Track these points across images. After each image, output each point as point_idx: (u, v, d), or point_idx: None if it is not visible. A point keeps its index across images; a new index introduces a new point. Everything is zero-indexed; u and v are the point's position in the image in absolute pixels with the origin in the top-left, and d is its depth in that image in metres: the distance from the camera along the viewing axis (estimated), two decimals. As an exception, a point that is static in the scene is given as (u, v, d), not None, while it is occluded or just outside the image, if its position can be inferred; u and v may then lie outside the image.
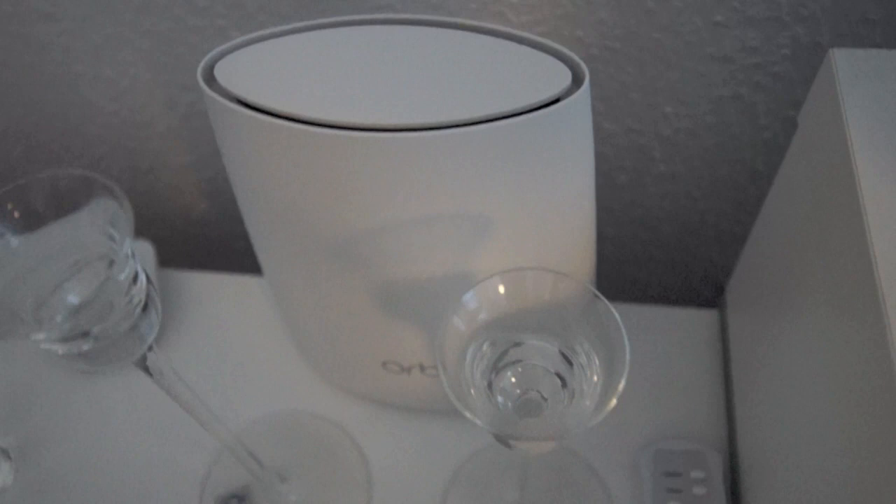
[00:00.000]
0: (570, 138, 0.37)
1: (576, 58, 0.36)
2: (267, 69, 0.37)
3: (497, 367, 0.36)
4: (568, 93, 0.35)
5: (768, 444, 0.46)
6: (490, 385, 0.36)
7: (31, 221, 0.32)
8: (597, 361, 0.34)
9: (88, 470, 0.56)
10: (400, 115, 0.34)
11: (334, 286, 0.45)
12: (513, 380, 0.36)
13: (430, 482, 0.53)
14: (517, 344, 0.36)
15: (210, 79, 0.38)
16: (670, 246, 0.74)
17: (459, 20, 0.39)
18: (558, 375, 0.36)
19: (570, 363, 0.35)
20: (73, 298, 0.32)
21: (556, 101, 0.35)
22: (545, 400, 0.36)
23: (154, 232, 0.74)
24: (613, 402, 0.30)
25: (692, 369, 0.57)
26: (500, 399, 0.36)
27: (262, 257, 0.49)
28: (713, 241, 0.73)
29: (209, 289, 0.65)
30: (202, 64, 0.38)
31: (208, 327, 0.62)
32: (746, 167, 0.65)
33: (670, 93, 0.58)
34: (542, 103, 0.35)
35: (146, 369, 0.35)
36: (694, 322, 0.59)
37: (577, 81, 0.36)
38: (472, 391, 0.34)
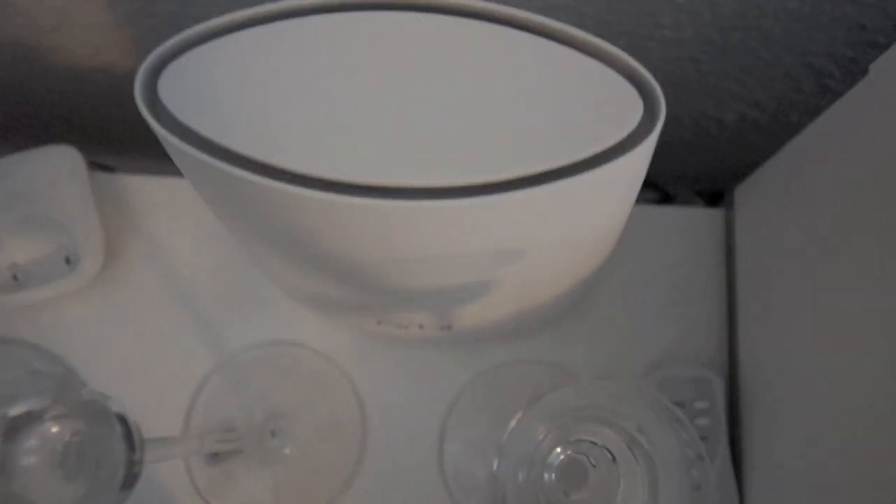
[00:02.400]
0: (630, 181, 0.29)
1: (651, 80, 0.27)
2: (239, 82, 0.28)
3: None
4: (640, 133, 0.27)
5: (772, 369, 0.46)
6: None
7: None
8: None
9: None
10: (422, 171, 0.26)
11: (332, 288, 0.38)
12: (559, 450, 0.33)
13: (426, 417, 0.51)
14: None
15: (153, 98, 0.28)
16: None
17: (488, 6, 0.29)
18: (608, 450, 0.32)
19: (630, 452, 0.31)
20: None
21: (625, 143, 0.27)
22: (593, 466, 0.32)
23: (74, 118, 0.63)
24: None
25: (694, 274, 0.54)
26: (545, 475, 0.32)
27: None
28: (708, 96, 0.66)
29: (159, 194, 0.56)
30: (142, 71, 0.28)
31: (163, 244, 0.55)
32: (763, 33, 0.57)
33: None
34: (604, 150, 0.27)
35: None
36: (697, 222, 0.55)
37: (649, 113, 0.28)
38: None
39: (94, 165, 0.63)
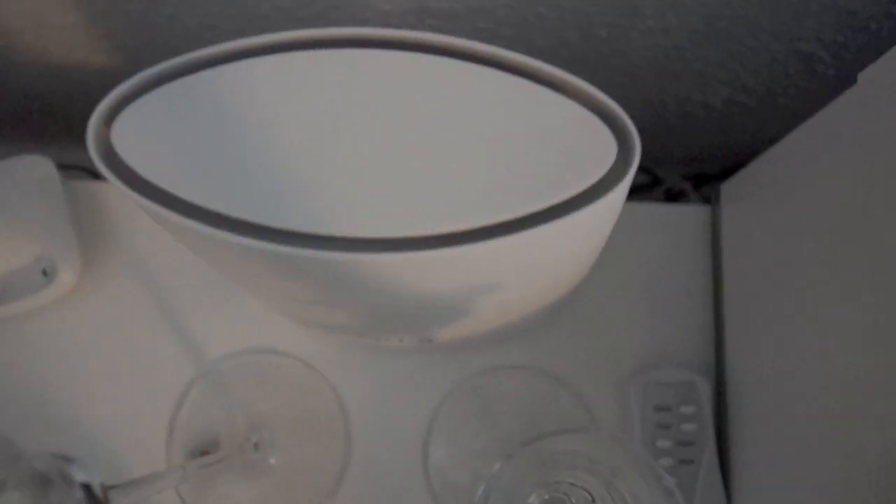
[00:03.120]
0: (606, 220, 0.29)
1: (624, 118, 0.26)
2: (198, 129, 0.27)
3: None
4: (615, 173, 0.27)
5: (759, 369, 0.46)
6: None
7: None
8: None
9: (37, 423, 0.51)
10: (395, 223, 0.26)
11: (305, 314, 0.38)
12: (538, 493, 0.32)
13: (410, 423, 0.51)
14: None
15: (107, 149, 0.27)
16: (648, 88, 0.66)
17: (455, 41, 0.28)
18: (587, 490, 0.32)
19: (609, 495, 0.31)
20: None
21: (599, 186, 0.27)
22: (572, 504, 0.32)
23: (48, 116, 0.61)
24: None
25: (680, 273, 0.53)
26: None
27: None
28: (693, 82, 0.65)
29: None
30: (93, 120, 0.27)
31: (140, 251, 0.54)
32: (750, 21, 0.55)
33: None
34: (579, 194, 0.26)
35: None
36: (683, 218, 0.54)
37: (623, 149, 0.27)
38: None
39: (68, 167, 0.62)
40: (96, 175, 0.73)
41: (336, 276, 0.27)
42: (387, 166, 0.26)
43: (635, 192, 0.76)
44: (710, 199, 0.61)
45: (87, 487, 0.26)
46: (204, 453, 0.50)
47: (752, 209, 0.48)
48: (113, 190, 0.57)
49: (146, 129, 0.27)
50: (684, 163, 0.76)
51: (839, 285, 0.37)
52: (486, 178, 0.26)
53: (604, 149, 0.27)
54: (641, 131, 0.57)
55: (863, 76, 0.37)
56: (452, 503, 0.51)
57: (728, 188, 0.52)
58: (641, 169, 0.77)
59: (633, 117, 0.63)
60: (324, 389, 0.52)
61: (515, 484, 0.31)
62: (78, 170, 0.74)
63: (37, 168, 0.52)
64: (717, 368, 0.52)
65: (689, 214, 0.55)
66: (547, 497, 0.31)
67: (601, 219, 0.28)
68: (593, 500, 0.31)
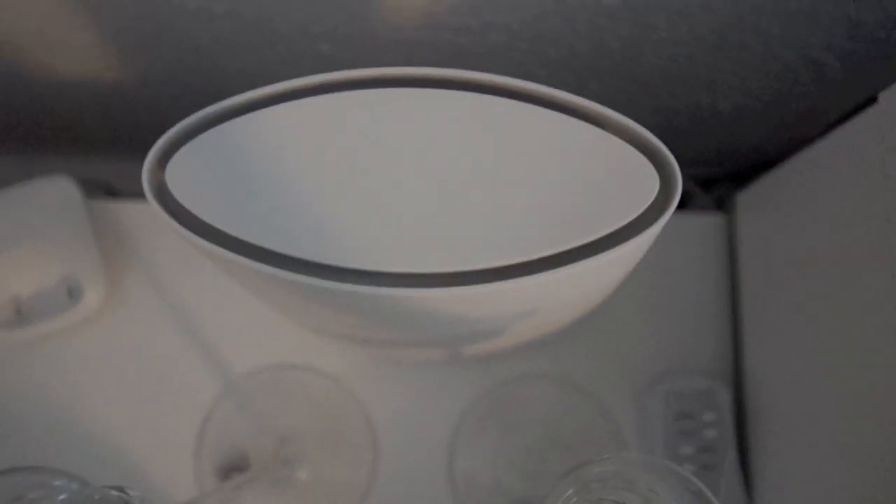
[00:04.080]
0: (641, 254, 0.29)
1: (665, 152, 0.27)
2: (248, 170, 0.27)
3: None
4: (656, 206, 0.27)
5: (778, 376, 0.46)
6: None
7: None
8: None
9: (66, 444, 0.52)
10: (442, 259, 0.26)
11: (338, 335, 0.38)
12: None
13: (436, 434, 0.52)
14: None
15: (161, 188, 0.28)
16: (658, 95, 0.66)
17: (494, 79, 0.28)
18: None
19: None
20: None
21: (640, 220, 0.27)
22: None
23: (63, 131, 0.62)
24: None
25: (697, 281, 0.54)
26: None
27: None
28: (702, 88, 0.66)
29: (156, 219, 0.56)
30: (148, 161, 0.28)
31: (165, 270, 0.55)
32: (760, 32, 0.56)
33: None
34: (620, 228, 0.27)
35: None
36: (700, 227, 0.55)
37: (665, 183, 0.28)
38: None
39: (87, 183, 0.62)
40: (109, 190, 0.73)
41: (379, 310, 0.28)
42: (430, 203, 0.27)
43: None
44: (719, 203, 0.61)
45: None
46: (232, 470, 0.51)
47: (769, 219, 0.49)
48: (135, 209, 0.58)
49: (198, 169, 0.28)
50: (692, 166, 0.76)
51: (859, 293, 0.37)
52: (527, 213, 0.27)
53: (646, 183, 0.27)
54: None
55: (883, 95, 0.37)
56: (479, 512, 0.52)
57: (744, 198, 0.53)
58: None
59: (641, 122, 0.64)
60: (349, 403, 0.53)
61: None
62: (90, 183, 0.75)
63: (60, 189, 0.53)
64: (735, 375, 0.53)
65: (706, 223, 0.56)
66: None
67: (640, 251, 0.29)
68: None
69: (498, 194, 0.27)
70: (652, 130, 0.67)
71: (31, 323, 0.52)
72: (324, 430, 0.52)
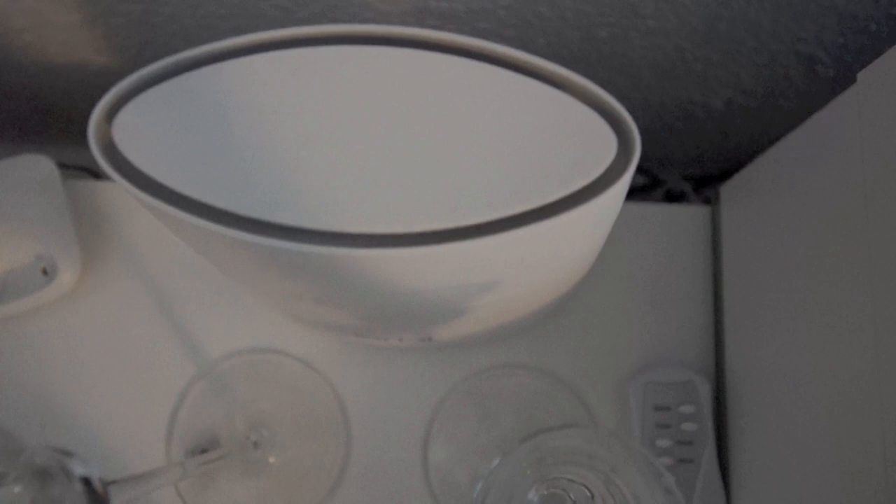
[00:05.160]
0: (607, 217, 0.29)
1: (625, 115, 0.27)
2: (197, 126, 0.27)
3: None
4: (616, 169, 0.27)
5: (758, 369, 0.46)
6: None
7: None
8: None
9: (36, 422, 0.51)
10: (395, 218, 0.26)
11: (308, 310, 0.38)
12: (537, 487, 0.32)
13: (410, 422, 0.51)
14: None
15: (108, 146, 0.27)
16: (649, 90, 0.66)
17: (456, 38, 0.28)
18: (586, 487, 0.32)
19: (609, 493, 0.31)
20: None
21: (599, 183, 0.27)
22: (573, 502, 0.32)
23: (49, 115, 0.61)
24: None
25: (680, 273, 0.53)
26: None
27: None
28: (693, 83, 0.65)
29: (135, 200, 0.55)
30: (94, 117, 0.27)
31: (141, 251, 0.54)
32: (750, 22, 0.55)
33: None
34: (578, 190, 0.26)
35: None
36: (684, 219, 0.54)
37: (623, 146, 0.27)
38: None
39: (68, 167, 0.62)
40: (96, 174, 0.73)
41: (336, 271, 0.27)
42: (386, 162, 0.26)
43: (635, 194, 0.76)
44: (711, 200, 0.61)
45: (86, 481, 0.26)
46: (203, 452, 0.50)
47: (751, 209, 0.48)
48: (114, 189, 0.57)
49: (147, 125, 0.27)
50: (685, 164, 0.76)
51: (838, 284, 0.37)
52: (485, 174, 0.26)
53: (604, 145, 0.27)
54: (642, 133, 0.57)
55: (862, 75, 0.37)
56: (452, 502, 0.51)
57: (728, 189, 0.52)
58: (641, 171, 0.77)
59: (633, 119, 0.63)
60: (324, 389, 0.52)
61: (514, 480, 0.31)
62: (78, 169, 0.74)
63: (38, 167, 0.53)
64: (716, 368, 0.52)
65: (690, 215, 0.55)
66: (546, 493, 0.31)
67: (601, 216, 0.28)
68: (592, 497, 0.31)
69: (454, 155, 0.26)
70: (644, 127, 0.67)
71: (4, 301, 0.52)
72: (297, 416, 0.52)
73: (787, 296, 0.43)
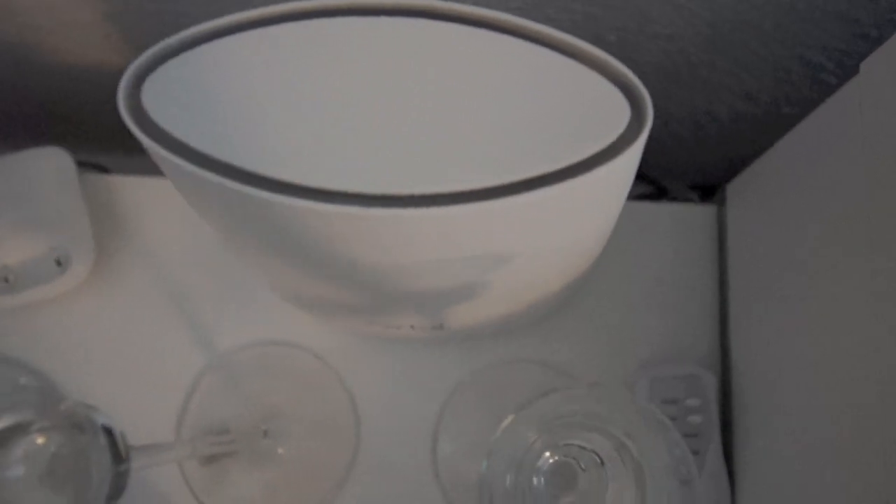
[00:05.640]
0: (619, 185, 0.29)
1: (638, 84, 0.27)
2: (224, 91, 0.27)
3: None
4: (628, 137, 0.27)
5: (764, 364, 0.46)
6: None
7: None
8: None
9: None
10: (412, 179, 0.26)
11: (322, 292, 0.38)
12: (547, 454, 0.32)
13: (419, 416, 0.51)
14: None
15: (137, 108, 0.28)
16: (656, 96, 0.67)
17: (475, 10, 0.28)
18: (596, 454, 0.32)
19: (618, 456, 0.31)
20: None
21: (612, 149, 0.27)
22: (582, 470, 0.32)
23: (67, 116, 0.62)
24: None
25: (686, 271, 0.54)
26: (534, 480, 0.32)
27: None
28: (699, 90, 0.66)
29: (150, 195, 0.56)
30: (124, 81, 0.28)
31: (154, 245, 0.55)
32: (754, 27, 0.56)
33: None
34: (592, 155, 0.27)
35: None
36: (690, 218, 0.55)
37: (637, 116, 0.28)
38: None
39: (87, 165, 0.63)
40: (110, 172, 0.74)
41: (355, 233, 0.28)
42: (404, 126, 0.27)
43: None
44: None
45: (110, 434, 0.27)
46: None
47: (756, 207, 0.49)
48: (128, 184, 0.58)
49: (174, 90, 0.28)
50: (691, 174, 0.76)
51: (842, 279, 0.37)
52: (500, 139, 0.27)
53: (617, 113, 0.28)
54: (649, 141, 0.59)
55: (865, 64, 0.37)
56: (460, 495, 0.51)
57: (733, 188, 0.53)
58: (647, 180, 0.78)
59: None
60: (334, 382, 0.52)
61: (521, 449, 0.32)
62: (92, 167, 0.75)
63: (54, 160, 0.53)
64: (722, 364, 0.52)
65: (696, 214, 0.56)
66: (556, 460, 0.32)
67: (615, 180, 0.29)
68: (602, 463, 0.32)
69: (472, 120, 0.27)
70: (651, 136, 0.67)
71: (18, 290, 0.52)
72: (307, 408, 0.52)
73: (792, 292, 0.43)
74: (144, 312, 0.54)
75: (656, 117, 0.66)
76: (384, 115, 0.27)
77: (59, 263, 0.53)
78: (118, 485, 0.27)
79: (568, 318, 0.54)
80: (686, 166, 0.77)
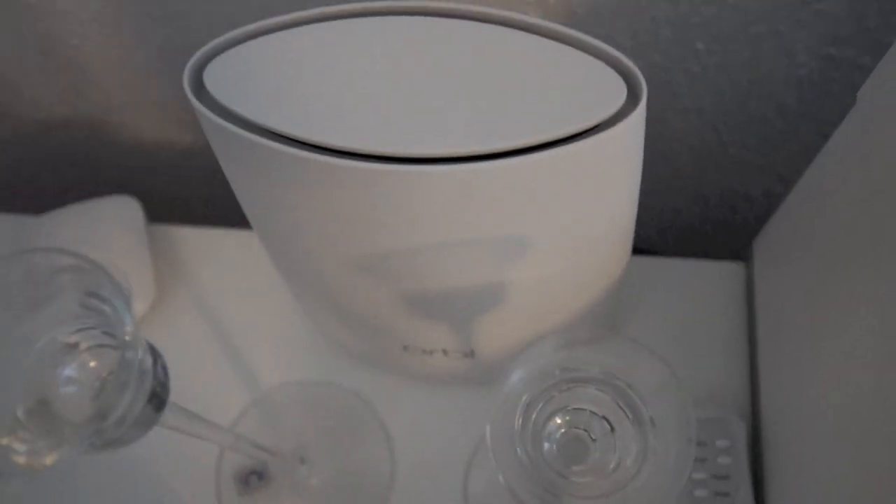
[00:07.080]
0: (621, 160, 0.32)
1: (632, 66, 0.31)
2: (273, 74, 0.32)
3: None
4: (624, 112, 0.30)
5: (794, 413, 0.45)
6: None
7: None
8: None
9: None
10: (435, 142, 0.29)
11: (357, 291, 0.41)
12: (559, 421, 0.34)
13: (453, 455, 0.52)
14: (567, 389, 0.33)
15: (198, 86, 0.32)
16: (687, 176, 0.70)
17: (489, 10, 0.33)
18: (607, 420, 0.33)
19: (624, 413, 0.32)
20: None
21: (610, 122, 0.30)
22: (594, 441, 0.33)
23: (137, 181, 0.69)
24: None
25: (715, 326, 0.55)
26: (545, 445, 0.33)
27: (273, 259, 0.45)
28: (733, 171, 0.69)
29: (208, 246, 0.61)
30: (189, 66, 0.33)
31: (209, 291, 0.59)
32: (777, 102, 0.60)
33: (704, 28, 0.53)
34: (591, 126, 0.30)
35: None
36: (718, 275, 0.57)
37: (633, 96, 0.31)
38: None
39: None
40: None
41: (386, 195, 0.31)
42: (434, 103, 0.31)
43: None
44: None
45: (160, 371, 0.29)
46: (252, 474, 0.52)
47: (782, 259, 0.51)
48: (191, 234, 0.63)
49: (231, 73, 0.33)
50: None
51: (870, 326, 0.37)
52: (515, 113, 0.31)
53: (615, 91, 0.31)
54: (685, 226, 0.62)
55: (861, 94, 0.39)
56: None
57: (759, 243, 0.55)
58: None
59: (677, 211, 0.66)
60: (370, 418, 0.54)
61: (528, 414, 0.33)
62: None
63: (125, 207, 0.59)
64: (752, 415, 0.52)
65: (725, 270, 0.57)
66: (567, 431, 0.33)
67: (616, 149, 0.32)
68: (612, 430, 0.33)
69: (487, 98, 0.31)
70: (688, 220, 0.69)
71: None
72: (344, 443, 0.53)
73: (821, 341, 0.43)
74: (194, 351, 0.57)
75: (693, 198, 0.68)
76: (415, 94, 0.31)
77: (120, 301, 0.57)
78: (159, 395, 0.29)
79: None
80: (726, 251, 0.78)
